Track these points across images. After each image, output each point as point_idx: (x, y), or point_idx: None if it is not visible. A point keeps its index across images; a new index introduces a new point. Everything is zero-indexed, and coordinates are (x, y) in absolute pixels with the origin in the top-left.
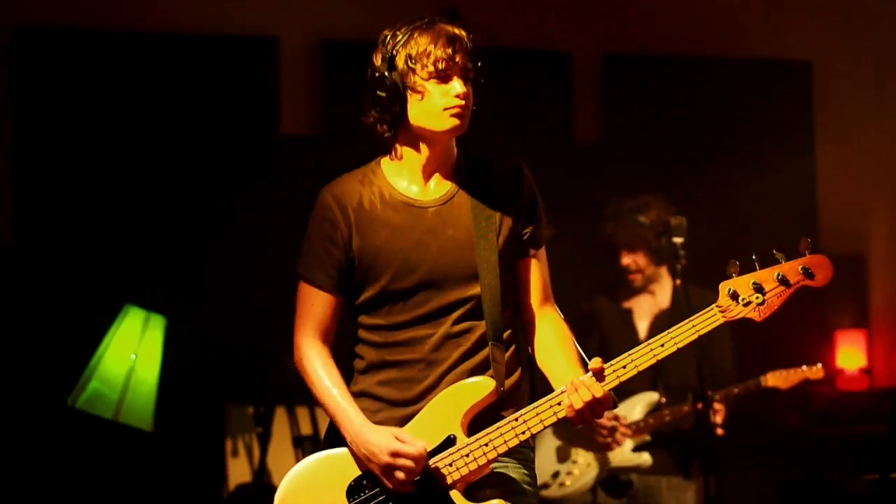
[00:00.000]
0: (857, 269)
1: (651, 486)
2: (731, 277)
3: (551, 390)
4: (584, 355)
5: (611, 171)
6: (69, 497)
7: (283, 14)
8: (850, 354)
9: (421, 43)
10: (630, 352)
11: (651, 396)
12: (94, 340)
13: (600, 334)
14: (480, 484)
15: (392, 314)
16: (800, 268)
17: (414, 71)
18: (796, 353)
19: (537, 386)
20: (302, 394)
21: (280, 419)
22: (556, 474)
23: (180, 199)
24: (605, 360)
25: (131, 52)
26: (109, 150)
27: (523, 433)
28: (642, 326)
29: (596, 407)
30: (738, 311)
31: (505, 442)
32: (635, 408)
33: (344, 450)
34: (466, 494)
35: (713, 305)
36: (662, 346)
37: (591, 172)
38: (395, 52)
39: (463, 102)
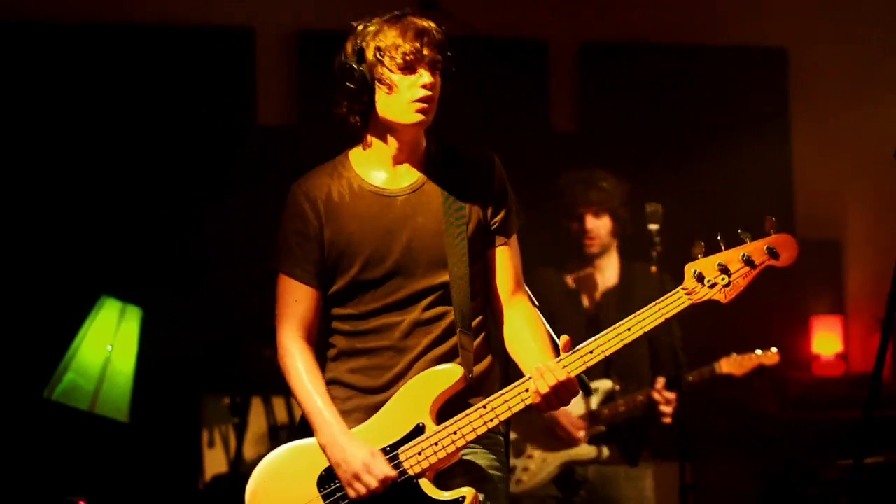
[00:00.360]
0: (833, 255)
1: (609, 477)
2: (696, 259)
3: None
4: (557, 342)
5: (587, 160)
6: (46, 489)
7: (259, 5)
8: (826, 340)
9: (389, 35)
10: (596, 337)
11: (605, 384)
12: (69, 332)
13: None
14: (449, 472)
15: (362, 303)
16: (765, 247)
17: (382, 63)
18: (772, 339)
19: (512, 375)
20: (278, 384)
21: (256, 409)
22: (512, 470)
23: (156, 191)
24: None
25: (105, 44)
26: (84, 142)
27: (491, 420)
28: (590, 304)
29: (562, 392)
30: (703, 294)
31: (473, 430)
32: (590, 399)
33: (315, 440)
34: (436, 482)
35: (679, 288)
36: (629, 330)
37: (567, 161)
38: (364, 45)
39: (430, 93)
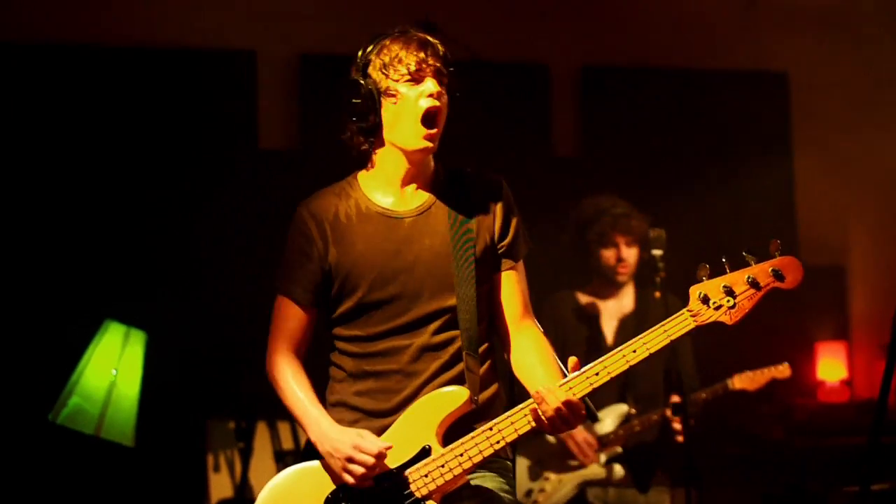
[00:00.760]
0: (837, 281)
1: (628, 498)
2: (701, 281)
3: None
4: (564, 368)
5: (589, 184)
6: None
7: (261, 28)
8: (831, 366)
9: (393, 49)
10: (602, 358)
11: (621, 408)
12: (74, 356)
13: (561, 341)
14: (457, 495)
15: (369, 325)
16: (770, 269)
17: (387, 75)
18: (776, 365)
19: (518, 398)
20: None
21: (261, 434)
22: (528, 493)
23: (159, 214)
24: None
25: (109, 66)
26: (88, 165)
27: (497, 442)
28: (608, 330)
29: (567, 414)
30: (708, 315)
31: (480, 451)
32: (606, 420)
33: (320, 462)
34: (443, 503)
35: (684, 310)
36: (634, 351)
37: (569, 185)
38: (368, 61)
39: (437, 103)
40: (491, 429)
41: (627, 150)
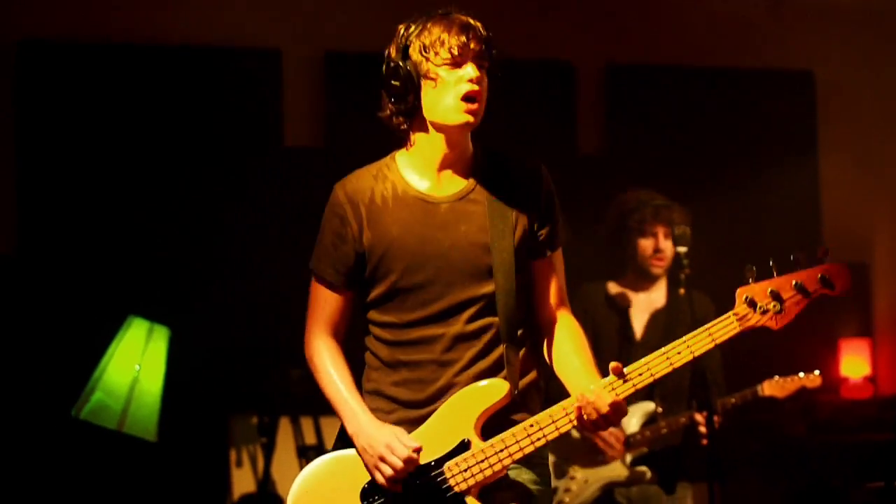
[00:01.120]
0: (861, 278)
1: (650, 496)
2: (747, 283)
3: (563, 390)
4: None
5: (614, 182)
6: None
7: (286, 26)
8: (854, 363)
9: (434, 32)
10: (646, 359)
11: (647, 406)
12: (97, 351)
13: (591, 332)
14: (494, 485)
15: (403, 311)
16: (818, 276)
17: (427, 59)
18: (800, 362)
19: (551, 387)
20: (306, 404)
21: (284, 429)
22: (553, 490)
23: (184, 211)
24: (598, 360)
25: (135, 64)
26: (113, 161)
27: (539, 439)
28: (638, 324)
29: (611, 416)
30: (755, 320)
31: (521, 448)
32: (631, 420)
33: (356, 451)
34: (480, 497)
35: (730, 313)
36: (679, 353)
37: (594, 183)
38: (408, 42)
39: (477, 87)
40: (532, 425)
41: (652, 148)
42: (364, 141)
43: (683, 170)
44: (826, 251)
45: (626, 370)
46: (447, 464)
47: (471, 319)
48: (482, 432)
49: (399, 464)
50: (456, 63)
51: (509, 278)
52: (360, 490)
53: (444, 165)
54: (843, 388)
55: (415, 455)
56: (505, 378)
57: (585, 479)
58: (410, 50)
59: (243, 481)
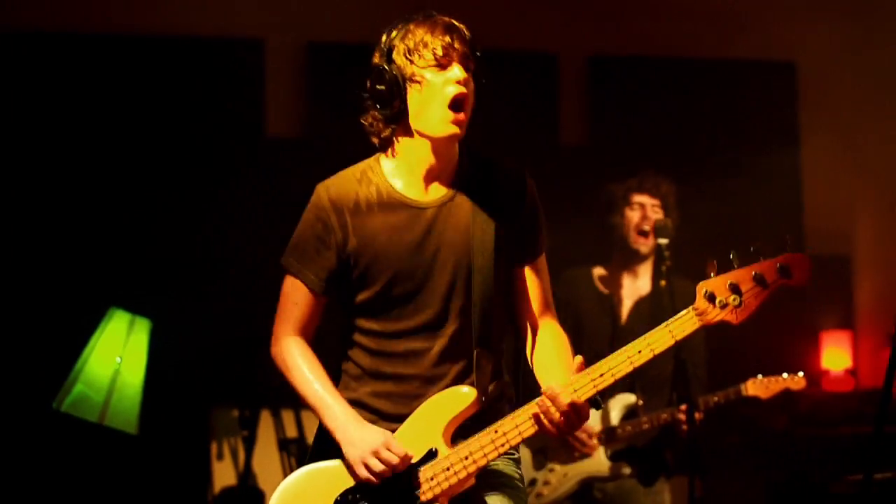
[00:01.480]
0: (842, 270)
1: (627, 491)
2: (708, 277)
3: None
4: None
5: (596, 173)
6: (55, 500)
7: (269, 16)
8: (836, 355)
9: (418, 34)
10: (606, 359)
11: (628, 399)
12: (79, 344)
13: (575, 318)
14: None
15: (389, 320)
16: (777, 266)
17: (412, 62)
18: (781, 355)
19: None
20: (287, 397)
21: (265, 422)
22: (532, 482)
23: (166, 202)
24: (582, 346)
25: (116, 54)
26: (94, 152)
27: (503, 445)
28: (623, 310)
29: (571, 416)
30: (714, 314)
31: (485, 455)
32: (611, 412)
33: (332, 462)
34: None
35: (689, 308)
36: (639, 352)
37: (576, 174)
38: (392, 46)
39: (464, 90)
40: (496, 431)
41: (634, 138)
42: (345, 131)
43: (666, 160)
44: (788, 241)
45: (588, 370)
46: (415, 472)
47: (457, 332)
48: (454, 441)
49: (395, 459)
50: (441, 64)
51: (487, 284)
52: (333, 499)
53: (429, 170)
54: (824, 381)
55: (411, 457)
56: (473, 384)
57: (565, 473)
58: (394, 54)
59: (224, 474)
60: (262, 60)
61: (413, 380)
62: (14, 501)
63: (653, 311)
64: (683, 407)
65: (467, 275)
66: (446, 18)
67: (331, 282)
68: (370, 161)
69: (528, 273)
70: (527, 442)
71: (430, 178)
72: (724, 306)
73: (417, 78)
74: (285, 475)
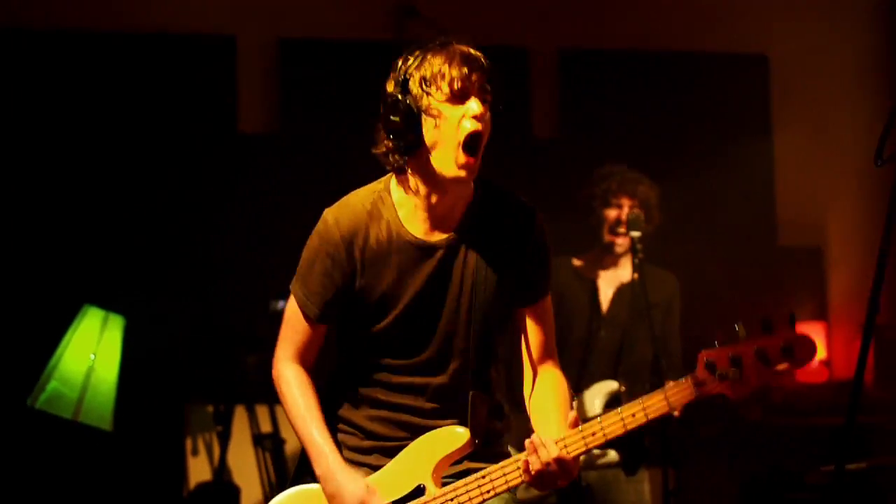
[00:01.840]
0: (815, 262)
1: (609, 481)
2: (713, 346)
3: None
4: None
5: (568, 166)
6: (28, 497)
7: (240, 13)
8: None
9: (435, 64)
10: (600, 419)
11: (610, 385)
12: (53, 340)
13: (559, 300)
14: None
15: (390, 355)
16: (780, 346)
17: (428, 93)
18: None
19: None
20: (261, 392)
21: (240, 418)
22: None
23: (138, 199)
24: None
25: (87, 51)
26: (66, 149)
27: (488, 492)
28: (604, 298)
29: (557, 472)
30: (712, 386)
31: (469, 499)
32: (594, 400)
33: (318, 486)
34: None
35: (688, 377)
36: (633, 416)
37: (548, 167)
38: (408, 76)
39: (479, 126)
40: (484, 477)
41: (606, 131)
42: (318, 127)
43: (638, 153)
44: (794, 317)
45: (581, 428)
46: None
47: (457, 370)
48: (444, 480)
49: None
50: (458, 97)
51: (487, 326)
52: None
53: (441, 205)
54: (798, 372)
55: None
56: (468, 425)
57: None
58: (410, 83)
59: (199, 470)
60: (234, 57)
61: (408, 410)
62: None
63: (633, 300)
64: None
65: (469, 316)
66: (464, 48)
67: (334, 314)
68: (380, 188)
69: (531, 315)
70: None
71: (440, 212)
72: (723, 378)
73: (434, 112)
74: (260, 470)
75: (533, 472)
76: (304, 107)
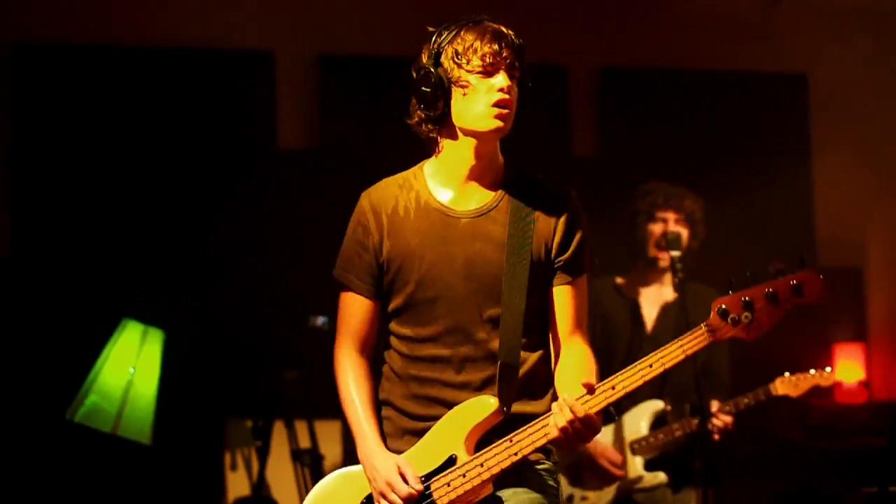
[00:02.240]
0: (855, 282)
1: (657, 500)
2: (726, 294)
3: None
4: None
5: (607, 185)
6: None
7: (279, 29)
8: (849, 367)
9: (467, 39)
10: (619, 373)
11: (656, 405)
12: (92, 354)
13: (603, 321)
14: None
15: (418, 325)
16: (791, 284)
17: (459, 66)
18: (794, 367)
19: None
20: (301, 407)
21: (279, 433)
22: (569, 498)
23: (178, 214)
24: (611, 352)
25: (129, 66)
26: (107, 164)
27: (515, 454)
28: (648, 317)
29: (580, 429)
30: (726, 331)
31: (498, 463)
32: (640, 421)
33: (360, 467)
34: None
35: (702, 324)
36: (650, 366)
37: (587, 186)
38: (440, 49)
39: (507, 96)
40: (511, 440)
41: (646, 151)
42: (356, 143)
43: (677, 173)
44: (803, 259)
45: (600, 384)
46: (433, 479)
47: (481, 341)
48: (476, 450)
49: (398, 502)
50: (487, 72)
51: (519, 300)
52: (359, 502)
53: (470, 176)
54: (837, 393)
55: (415, 492)
56: (496, 395)
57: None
58: (442, 57)
59: (238, 485)
60: (274, 73)
61: (436, 384)
62: None
63: (679, 317)
64: (716, 412)
65: (497, 290)
66: (496, 25)
67: (375, 284)
68: (415, 168)
69: (563, 293)
70: (564, 457)
71: (469, 184)
72: (736, 323)
73: (463, 82)
74: (298, 486)
75: (558, 431)
76: (343, 123)
